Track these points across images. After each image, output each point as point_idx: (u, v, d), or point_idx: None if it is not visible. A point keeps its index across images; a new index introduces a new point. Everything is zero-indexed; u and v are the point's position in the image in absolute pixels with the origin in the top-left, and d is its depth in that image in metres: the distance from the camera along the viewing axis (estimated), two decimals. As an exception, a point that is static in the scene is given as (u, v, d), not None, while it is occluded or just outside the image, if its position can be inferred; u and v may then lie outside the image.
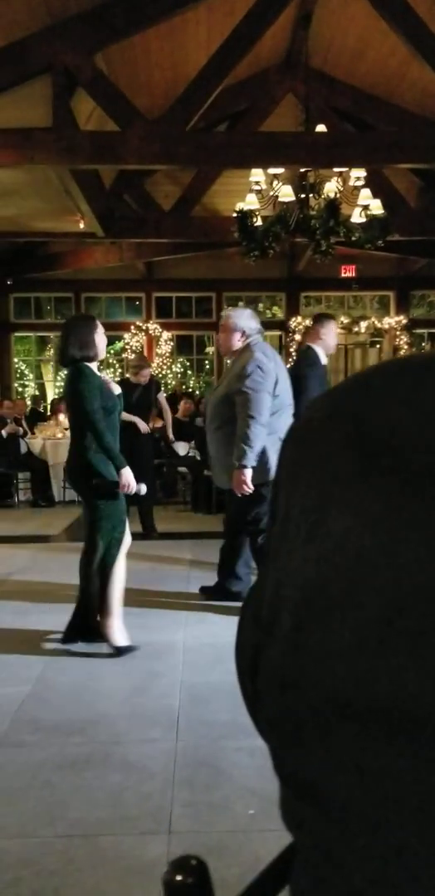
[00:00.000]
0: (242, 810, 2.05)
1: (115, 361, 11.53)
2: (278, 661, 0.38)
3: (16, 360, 12.04)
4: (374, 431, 0.37)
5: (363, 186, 6.41)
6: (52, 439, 8.29)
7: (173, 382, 11.43)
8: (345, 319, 11.48)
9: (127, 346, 11.36)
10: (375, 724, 0.33)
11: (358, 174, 6.24)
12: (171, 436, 7.46)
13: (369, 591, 0.34)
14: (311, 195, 6.32)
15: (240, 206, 6.51)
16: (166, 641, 3.40)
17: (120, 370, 11.21)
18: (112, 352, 11.43)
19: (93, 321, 3.38)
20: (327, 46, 7.18)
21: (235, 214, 6.58)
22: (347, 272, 10.10)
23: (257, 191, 6.36)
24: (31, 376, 12.24)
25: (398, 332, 11.45)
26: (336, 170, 6.15)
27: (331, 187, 6.19)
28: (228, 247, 8.08)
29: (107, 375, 4.36)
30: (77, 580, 3.40)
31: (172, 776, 2.24)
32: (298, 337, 11.48)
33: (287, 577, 0.39)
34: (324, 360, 4.47)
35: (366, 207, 6.47)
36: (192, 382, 12.01)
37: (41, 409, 10.81)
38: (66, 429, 7.98)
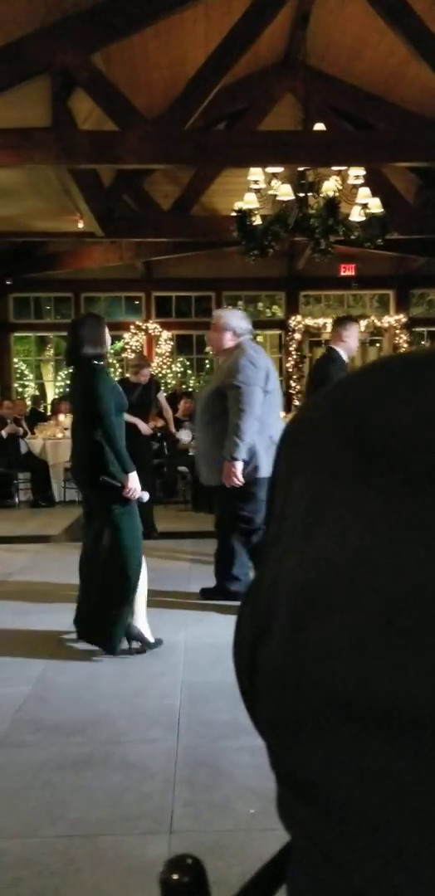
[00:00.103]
0: (243, 810, 2.05)
1: (114, 361, 11.53)
2: (277, 661, 0.38)
3: (15, 360, 12.04)
4: (374, 431, 0.37)
5: (362, 185, 6.41)
6: (53, 439, 8.29)
7: (173, 382, 11.42)
8: (344, 318, 11.48)
9: (127, 346, 11.36)
10: (376, 724, 0.33)
11: (357, 173, 6.24)
12: (173, 430, 7.50)
13: (369, 590, 0.34)
14: (310, 194, 6.33)
15: (239, 205, 6.51)
16: (167, 641, 3.40)
17: (120, 370, 11.21)
18: (112, 351, 11.42)
19: (102, 319, 3.42)
20: (325, 45, 7.18)
21: (234, 214, 6.59)
22: (347, 271, 10.10)
23: (256, 190, 6.37)
24: (30, 376, 12.24)
25: (398, 331, 11.45)
26: (335, 168, 6.15)
27: (330, 186, 6.20)
28: (228, 246, 8.09)
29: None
30: (77, 580, 3.40)
31: (173, 776, 2.24)
32: (297, 336, 11.48)
33: (285, 577, 0.39)
34: (346, 361, 4.52)
35: (365, 206, 6.47)
36: (192, 382, 12.01)
37: (41, 410, 10.81)
38: (65, 429, 7.98)
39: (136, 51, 6.30)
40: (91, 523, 3.37)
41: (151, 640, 3.31)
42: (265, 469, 3.70)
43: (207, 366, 12.31)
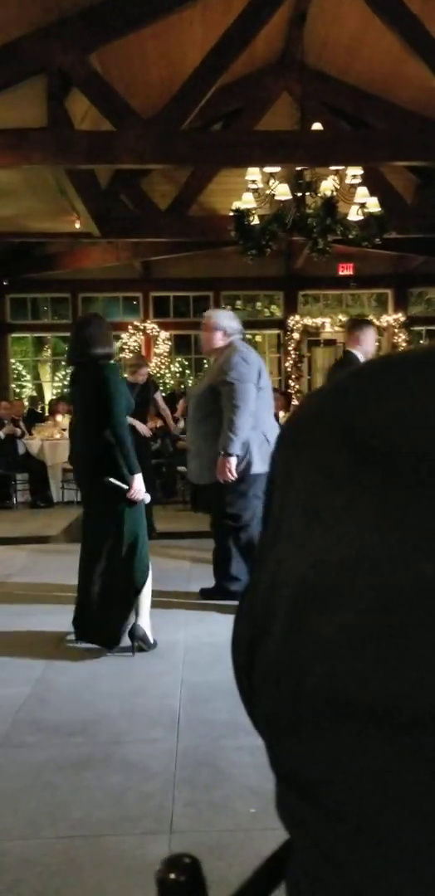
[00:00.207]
0: (243, 809, 2.05)
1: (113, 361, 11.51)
2: (276, 659, 0.38)
3: (13, 361, 12.03)
4: (365, 432, 0.37)
5: (360, 184, 6.41)
6: (50, 440, 8.28)
7: (172, 382, 11.42)
8: (343, 318, 11.48)
9: (125, 346, 11.35)
10: (376, 723, 0.33)
11: (354, 172, 6.24)
12: (172, 424, 7.52)
13: (366, 589, 0.34)
14: (307, 193, 6.33)
15: (236, 204, 6.51)
16: (166, 641, 3.40)
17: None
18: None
19: (105, 319, 3.46)
20: (322, 45, 7.18)
21: (231, 213, 6.58)
22: (345, 270, 10.10)
23: (254, 189, 6.36)
24: (28, 377, 12.23)
25: (396, 330, 11.46)
26: (332, 168, 6.15)
27: (327, 185, 6.20)
28: (226, 246, 8.08)
29: None
30: (76, 580, 3.40)
31: (173, 776, 2.24)
32: (296, 335, 11.48)
33: (282, 575, 0.39)
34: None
35: (363, 205, 6.47)
36: (190, 382, 12.00)
37: (39, 410, 10.79)
38: (63, 429, 7.97)
39: (133, 51, 6.30)
40: (94, 524, 3.34)
41: (151, 640, 3.31)
42: (258, 465, 3.74)
43: (205, 366, 12.28)
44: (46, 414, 10.25)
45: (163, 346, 11.53)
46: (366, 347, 4.52)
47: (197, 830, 1.97)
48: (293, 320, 11.47)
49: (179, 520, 6.84)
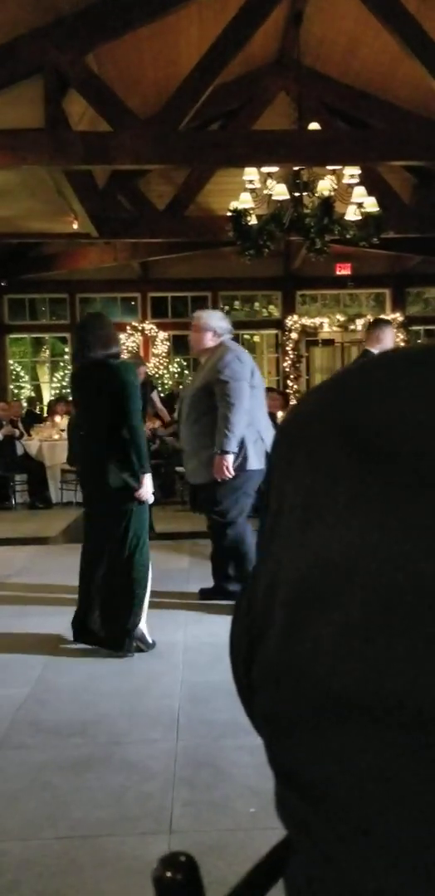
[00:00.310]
0: (243, 809, 2.05)
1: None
2: (275, 658, 0.38)
3: (11, 361, 12.01)
4: (365, 430, 0.37)
5: (357, 184, 6.41)
6: (49, 441, 8.27)
7: (170, 383, 11.41)
8: (341, 317, 11.49)
9: (123, 347, 11.35)
10: (376, 723, 0.33)
11: (352, 172, 6.24)
12: (166, 417, 7.54)
13: (366, 588, 0.34)
14: (305, 193, 6.33)
15: (234, 204, 6.51)
16: (166, 641, 3.40)
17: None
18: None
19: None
20: (319, 44, 7.18)
21: (229, 213, 6.58)
22: (343, 270, 10.10)
23: (251, 189, 6.36)
24: (26, 378, 12.22)
25: (394, 330, 11.45)
26: (330, 168, 6.15)
27: (325, 185, 6.20)
28: (223, 246, 8.08)
29: None
30: (76, 581, 3.39)
31: (173, 776, 2.24)
32: (294, 335, 11.48)
33: (281, 572, 0.39)
34: None
35: (360, 205, 6.48)
36: (188, 382, 12.00)
37: (37, 411, 10.78)
38: (62, 430, 7.96)
39: (130, 51, 6.29)
40: (98, 524, 3.32)
41: (150, 640, 3.31)
42: (253, 462, 3.77)
43: (204, 366, 12.29)
44: (45, 415, 10.25)
45: (161, 347, 11.53)
46: (385, 346, 4.54)
47: (197, 830, 1.97)
48: (291, 320, 11.47)
49: (178, 520, 6.84)
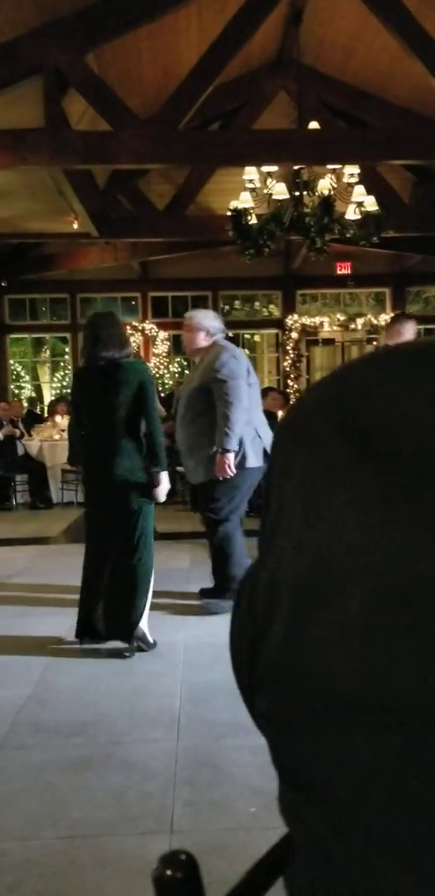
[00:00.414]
0: (244, 808, 2.05)
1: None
2: (277, 656, 0.38)
3: (11, 361, 12.02)
4: (365, 427, 0.37)
5: (357, 183, 6.41)
6: (50, 441, 8.27)
7: (170, 382, 11.42)
8: (341, 317, 11.48)
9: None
10: (376, 722, 0.33)
11: (352, 171, 6.24)
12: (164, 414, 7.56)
13: (366, 587, 0.34)
14: (305, 192, 6.33)
15: (234, 204, 6.51)
16: (166, 641, 3.40)
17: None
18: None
19: None
20: (319, 43, 7.18)
21: (229, 213, 6.58)
22: (343, 269, 10.10)
23: (251, 189, 6.36)
24: (27, 378, 12.22)
25: (416, 325, 11.44)
26: (330, 167, 6.15)
27: (325, 184, 6.20)
28: (224, 245, 8.08)
29: None
30: (77, 581, 3.39)
31: (174, 776, 2.24)
32: (294, 335, 11.47)
33: (282, 570, 0.39)
34: None
35: (360, 204, 6.47)
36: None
37: (38, 411, 10.79)
38: (62, 430, 7.96)
39: (130, 51, 6.29)
40: (106, 522, 3.31)
41: (150, 640, 3.31)
42: (252, 460, 3.77)
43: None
44: (45, 415, 10.25)
45: (161, 347, 11.53)
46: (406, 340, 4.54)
47: (197, 830, 1.97)
48: (291, 319, 11.47)
49: (178, 520, 6.84)
